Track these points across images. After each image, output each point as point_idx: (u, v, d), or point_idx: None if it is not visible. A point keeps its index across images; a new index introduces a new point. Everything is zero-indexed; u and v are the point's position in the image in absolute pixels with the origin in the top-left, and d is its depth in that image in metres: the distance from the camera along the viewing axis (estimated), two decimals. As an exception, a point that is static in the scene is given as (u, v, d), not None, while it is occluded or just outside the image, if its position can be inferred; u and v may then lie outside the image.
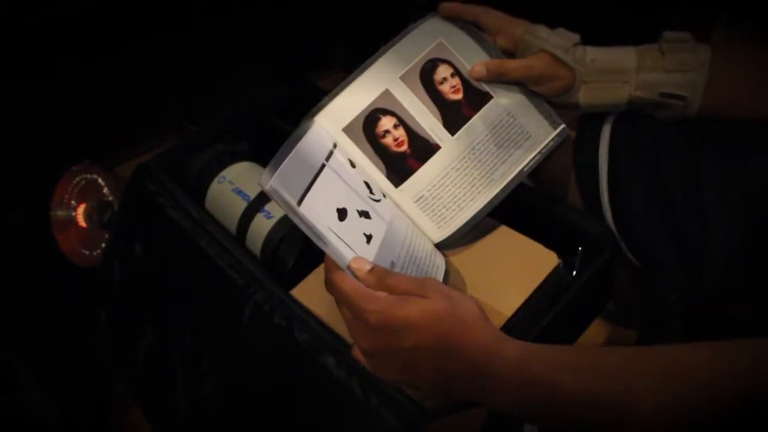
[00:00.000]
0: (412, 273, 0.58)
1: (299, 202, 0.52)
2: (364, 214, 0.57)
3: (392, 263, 0.57)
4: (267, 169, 0.52)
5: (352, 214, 0.56)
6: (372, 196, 0.60)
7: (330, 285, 0.53)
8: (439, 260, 0.63)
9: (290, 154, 0.54)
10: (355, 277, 0.52)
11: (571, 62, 0.65)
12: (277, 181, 0.51)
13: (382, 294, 0.50)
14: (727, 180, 0.62)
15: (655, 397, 0.45)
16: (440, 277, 0.61)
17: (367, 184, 0.61)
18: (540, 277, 0.64)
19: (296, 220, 0.52)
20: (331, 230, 0.53)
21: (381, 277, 0.52)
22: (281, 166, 0.52)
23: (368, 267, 0.53)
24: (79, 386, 0.93)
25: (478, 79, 0.67)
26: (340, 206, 0.56)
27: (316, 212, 0.53)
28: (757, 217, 0.61)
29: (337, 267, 0.52)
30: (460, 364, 0.48)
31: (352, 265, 0.53)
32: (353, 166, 0.62)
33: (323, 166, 0.57)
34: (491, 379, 0.48)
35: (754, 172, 0.61)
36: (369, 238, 0.56)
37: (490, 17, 0.68)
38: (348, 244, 0.54)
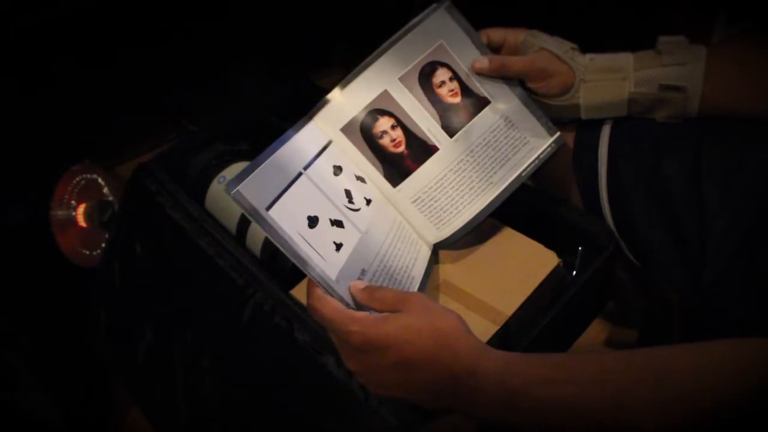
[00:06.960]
0: (384, 283, 0.59)
1: (269, 207, 0.53)
2: (337, 223, 0.58)
3: (363, 270, 0.57)
4: (237, 175, 0.52)
5: (323, 223, 0.57)
6: (350, 205, 0.61)
7: (312, 310, 0.54)
8: (416, 272, 0.63)
9: (265, 163, 0.54)
10: (350, 295, 0.54)
11: (570, 61, 0.67)
12: (246, 188, 0.52)
13: (362, 314, 0.51)
14: (726, 177, 0.62)
15: (643, 405, 0.45)
16: (414, 289, 0.61)
17: (348, 193, 0.61)
18: (540, 277, 0.64)
19: (262, 227, 0.52)
20: (300, 235, 0.54)
21: (371, 291, 0.54)
22: (252, 174, 0.53)
23: (362, 286, 0.55)
24: (79, 386, 0.93)
25: (480, 71, 0.68)
26: (312, 214, 0.56)
27: (285, 218, 0.54)
28: (757, 215, 0.60)
29: (316, 292, 0.53)
30: (443, 378, 0.49)
31: (352, 288, 0.54)
32: (339, 172, 0.62)
33: (299, 174, 0.57)
34: (473, 391, 0.48)
35: (753, 169, 0.61)
36: (339, 246, 0.57)
37: (494, 32, 0.70)
38: (316, 250, 0.54)
